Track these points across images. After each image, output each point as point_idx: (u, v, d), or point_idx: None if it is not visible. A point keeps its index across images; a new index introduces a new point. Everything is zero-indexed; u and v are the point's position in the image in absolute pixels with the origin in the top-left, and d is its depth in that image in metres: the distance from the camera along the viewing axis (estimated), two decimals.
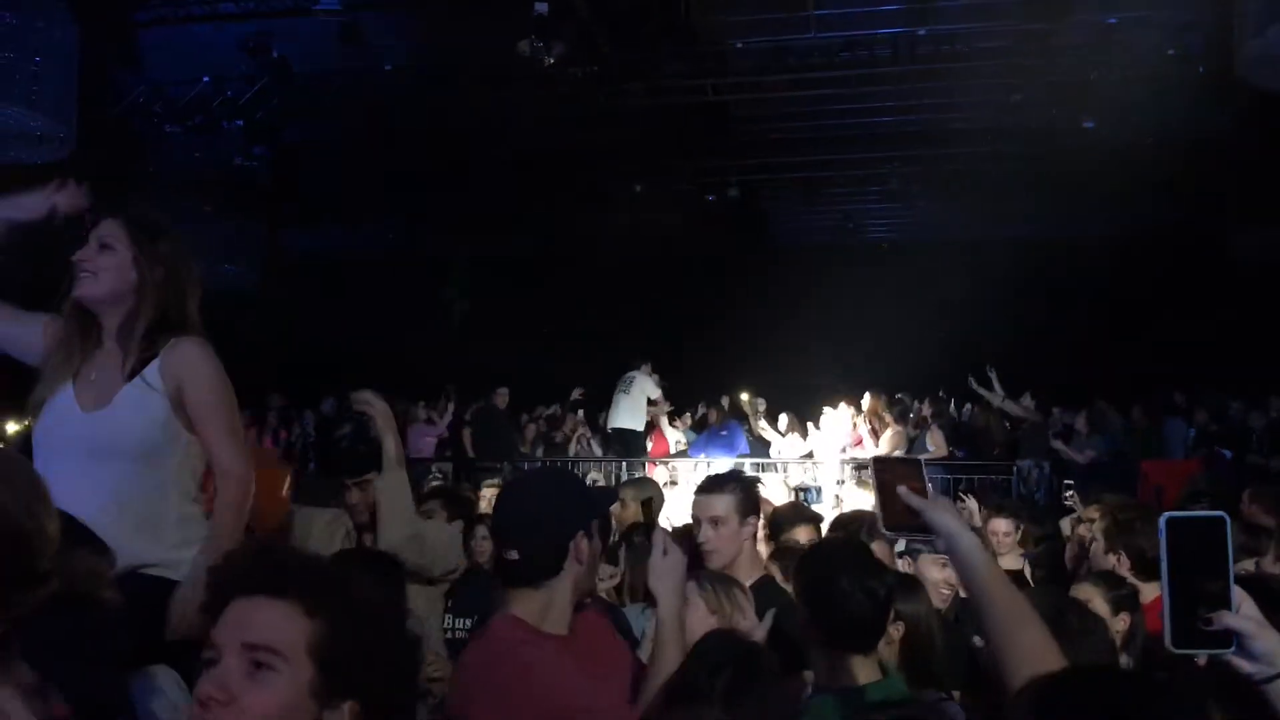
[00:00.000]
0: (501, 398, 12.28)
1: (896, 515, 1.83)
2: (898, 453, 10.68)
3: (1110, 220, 13.73)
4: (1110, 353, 12.88)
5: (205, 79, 10.47)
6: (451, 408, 12.11)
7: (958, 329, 13.11)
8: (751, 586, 2.94)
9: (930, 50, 9.70)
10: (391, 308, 14.29)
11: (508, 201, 13.51)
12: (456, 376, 12.65)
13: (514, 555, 2.18)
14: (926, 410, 11.83)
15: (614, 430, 11.71)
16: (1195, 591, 1.45)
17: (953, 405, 12.69)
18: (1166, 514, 1.50)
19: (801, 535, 4.10)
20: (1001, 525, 5.02)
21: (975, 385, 10.84)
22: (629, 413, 11.63)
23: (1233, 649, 1.43)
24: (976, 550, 1.76)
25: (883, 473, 1.86)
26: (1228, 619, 1.42)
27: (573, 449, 12.47)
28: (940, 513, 1.79)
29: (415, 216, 13.82)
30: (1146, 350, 12.61)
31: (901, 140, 11.92)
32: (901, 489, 1.83)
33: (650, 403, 11.70)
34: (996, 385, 10.72)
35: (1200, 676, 1.58)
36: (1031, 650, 1.62)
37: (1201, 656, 1.48)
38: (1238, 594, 1.44)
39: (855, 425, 11.07)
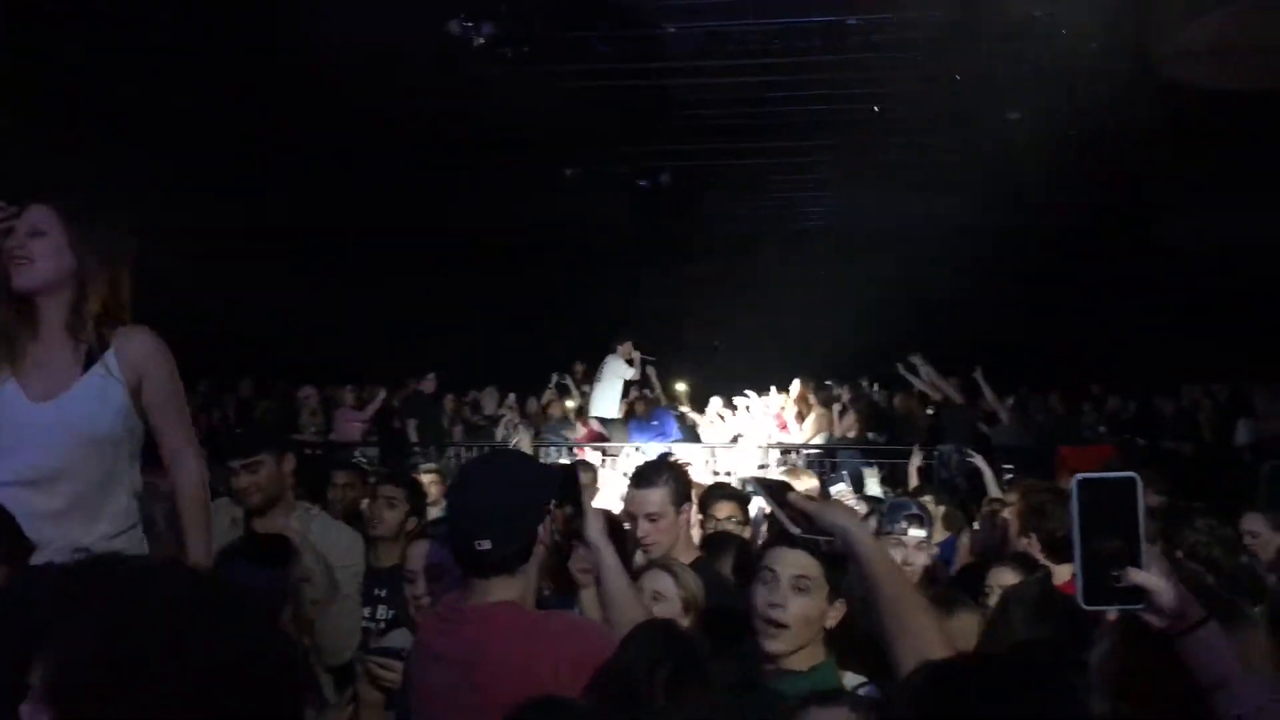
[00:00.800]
0: (429, 383, 12.11)
1: (798, 521, 1.92)
2: (820, 438, 10.88)
3: (1035, 209, 14.02)
4: (1033, 339, 13.16)
5: None
6: (382, 394, 11.93)
7: (889, 315, 13.29)
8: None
9: (859, 40, 9.78)
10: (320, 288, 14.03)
11: (437, 184, 13.36)
12: (385, 361, 12.51)
13: (486, 545, 2.15)
14: (846, 396, 12.00)
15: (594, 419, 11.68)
16: (1107, 550, 1.48)
17: (876, 391, 12.86)
18: (1079, 475, 1.55)
19: (721, 511, 4.16)
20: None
21: (902, 370, 11.00)
22: (601, 399, 11.59)
23: (1142, 605, 1.47)
24: (869, 544, 1.88)
25: (769, 491, 1.98)
26: (1137, 576, 1.46)
27: (499, 433, 12.40)
28: (833, 514, 1.92)
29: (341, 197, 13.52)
30: (1067, 337, 12.90)
31: (833, 128, 12.00)
32: (792, 496, 1.93)
33: (630, 383, 11.65)
34: (921, 371, 10.89)
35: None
36: (920, 636, 1.68)
37: (1112, 612, 1.54)
38: (1148, 552, 1.48)
39: (782, 410, 11.19)
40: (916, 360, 10.82)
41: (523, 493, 2.25)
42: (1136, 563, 1.47)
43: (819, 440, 11.07)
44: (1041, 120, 10.12)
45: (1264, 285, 11.24)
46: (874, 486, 7.07)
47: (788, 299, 14.56)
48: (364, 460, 10.30)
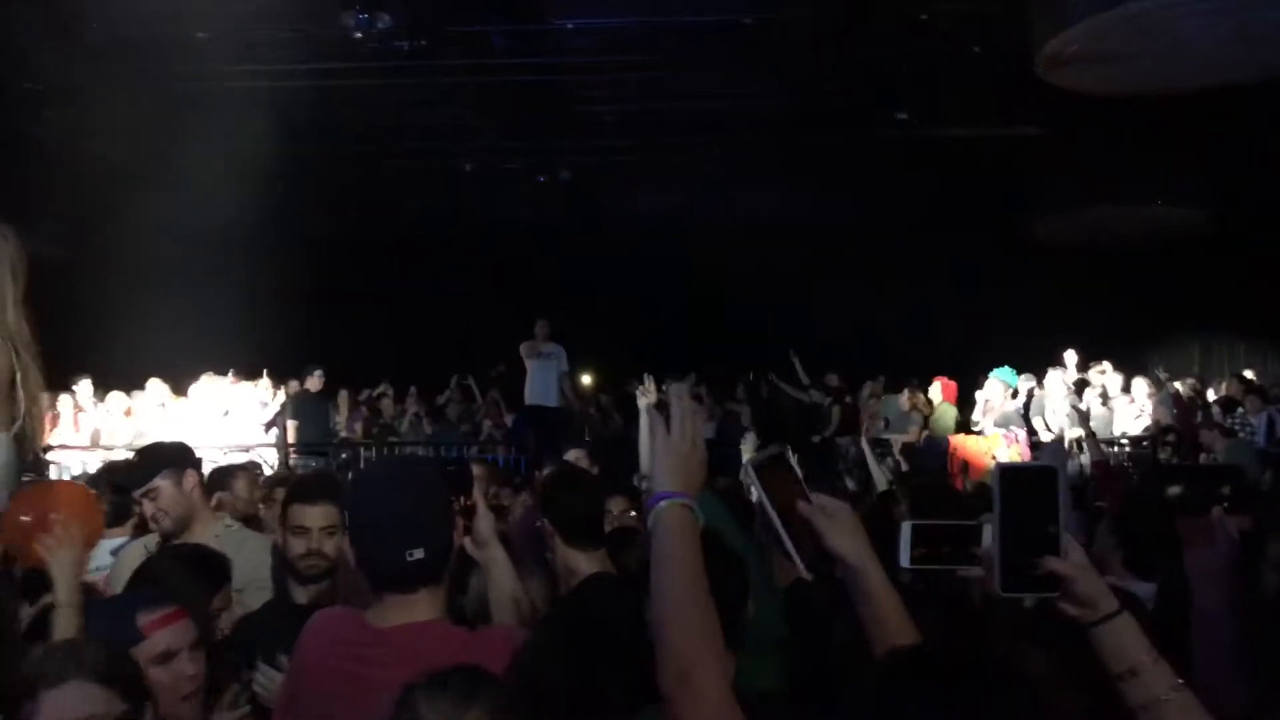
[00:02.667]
0: (315, 380, 11.50)
1: (800, 539, 1.69)
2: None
3: (921, 207, 14.42)
4: (924, 334, 13.51)
5: None
6: (282, 392, 11.51)
7: (777, 312, 13.50)
8: None
9: (749, 37, 9.90)
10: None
11: (331, 177, 13.10)
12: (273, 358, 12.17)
13: (419, 554, 2.04)
14: (741, 394, 12.18)
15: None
16: (1026, 538, 1.50)
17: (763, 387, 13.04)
18: (1000, 463, 1.59)
19: (616, 508, 4.24)
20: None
21: (777, 380, 11.24)
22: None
23: (1058, 594, 1.50)
24: (882, 581, 1.73)
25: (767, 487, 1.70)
26: (1053, 564, 1.48)
27: (405, 425, 12.19)
28: (844, 537, 1.70)
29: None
30: (957, 332, 13.28)
31: (724, 125, 12.14)
32: (803, 505, 1.71)
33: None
34: (800, 374, 11.17)
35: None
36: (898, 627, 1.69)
37: (1029, 600, 1.56)
38: (1067, 541, 1.51)
39: None
40: (796, 361, 11.10)
41: (438, 497, 2.17)
42: (1056, 551, 1.49)
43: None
44: (929, 120, 10.36)
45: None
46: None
47: (683, 295, 14.64)
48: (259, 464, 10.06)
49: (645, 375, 5.29)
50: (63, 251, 12.04)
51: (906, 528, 1.67)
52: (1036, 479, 1.54)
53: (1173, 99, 9.51)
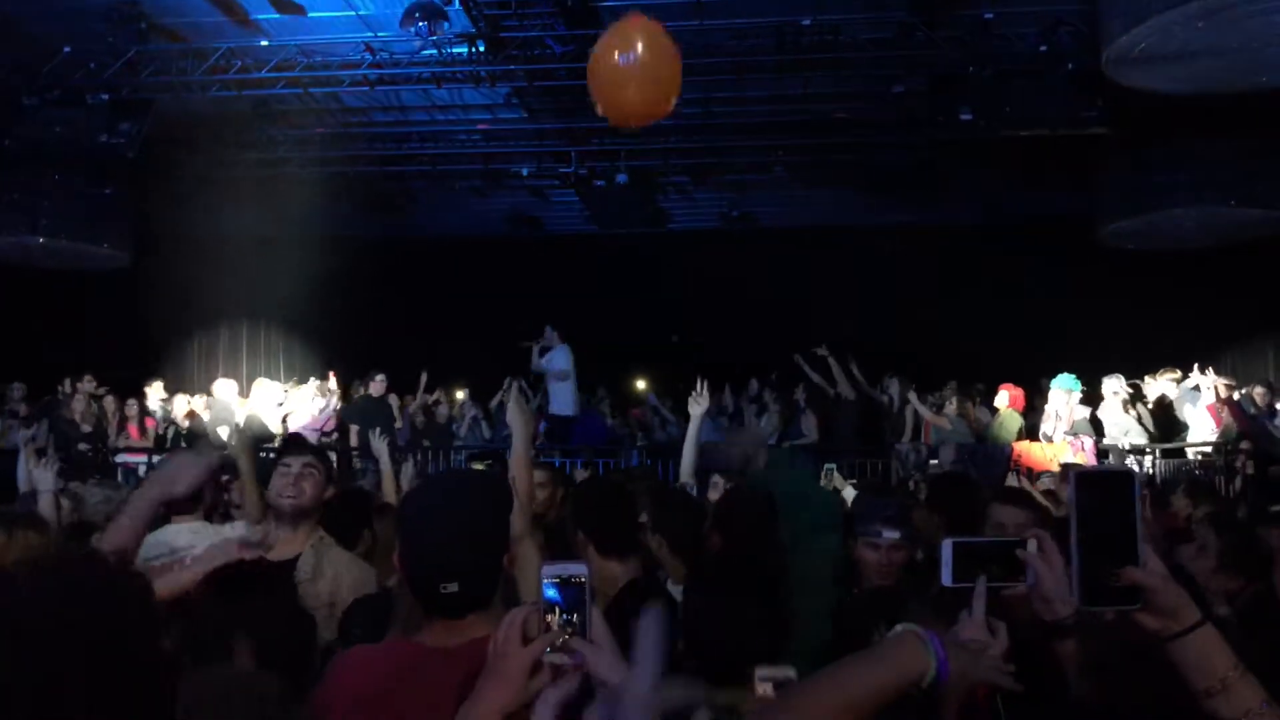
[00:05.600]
0: (377, 384, 11.66)
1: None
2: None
3: (985, 209, 14.20)
4: (984, 340, 13.28)
5: (66, 49, 9.92)
6: (333, 398, 11.67)
7: (840, 315, 13.36)
8: None
9: (813, 40, 9.81)
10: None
11: (388, 182, 13.29)
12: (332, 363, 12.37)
13: (453, 588, 1.97)
14: (802, 396, 12.06)
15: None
16: (1104, 547, 1.43)
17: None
18: (1076, 469, 1.52)
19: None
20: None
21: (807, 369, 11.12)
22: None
23: (1139, 605, 1.43)
24: None
25: None
26: (1135, 574, 1.42)
27: (464, 429, 12.23)
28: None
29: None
30: (1019, 337, 13.03)
31: (786, 129, 12.05)
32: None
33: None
34: (835, 370, 11.06)
35: None
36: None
37: (1109, 612, 1.47)
38: (1145, 550, 1.44)
39: None
40: (827, 355, 10.99)
41: (483, 520, 2.06)
42: (1134, 560, 1.42)
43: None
44: (994, 121, 10.16)
45: None
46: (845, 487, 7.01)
47: (742, 297, 14.59)
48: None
49: (699, 380, 5.24)
50: (127, 258, 12.41)
51: (947, 546, 1.61)
52: (1113, 484, 1.47)
53: (1245, 98, 9.24)
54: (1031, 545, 1.57)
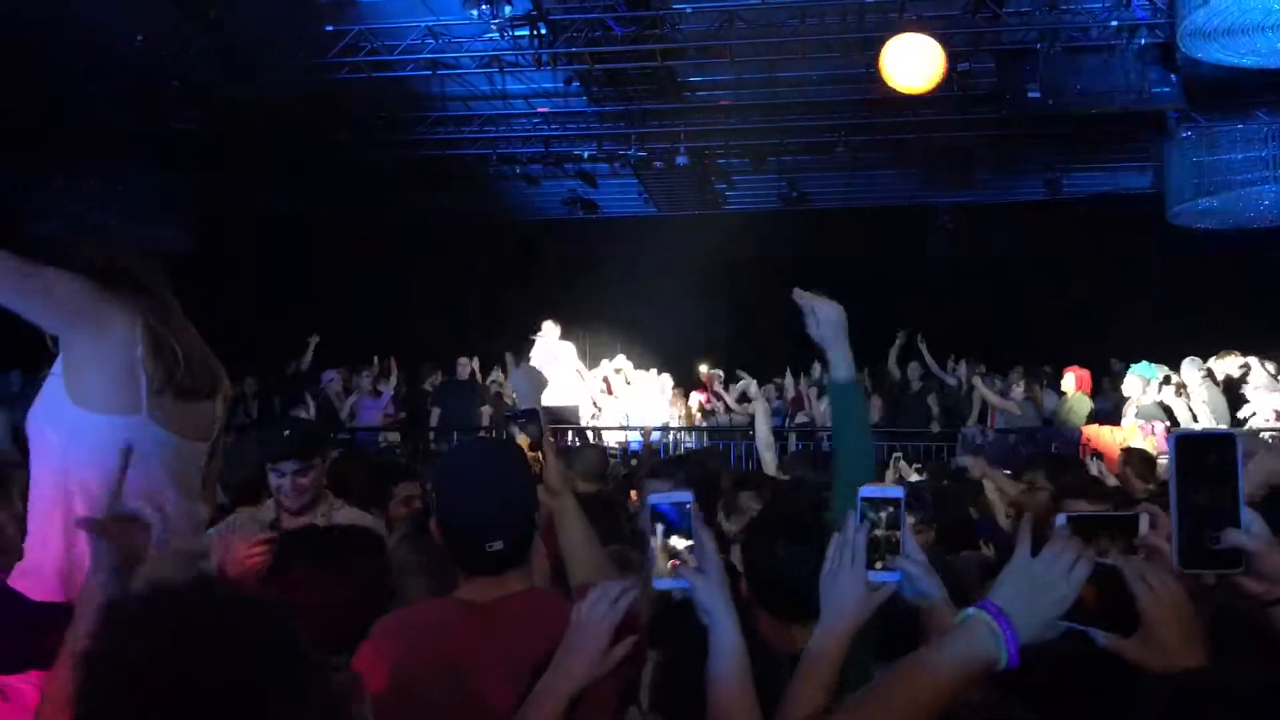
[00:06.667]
0: (464, 368, 11.84)
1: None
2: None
3: (1053, 187, 13.95)
4: (1051, 321, 13.08)
5: (139, 37, 10.07)
6: (394, 379, 11.91)
7: (901, 297, 13.24)
8: None
9: (878, 19, 9.68)
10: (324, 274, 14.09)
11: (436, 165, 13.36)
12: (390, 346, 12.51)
13: (499, 546, 2.08)
14: (865, 380, 11.96)
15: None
16: (1204, 511, 1.42)
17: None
18: (1176, 432, 1.50)
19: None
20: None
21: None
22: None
23: (1241, 569, 1.41)
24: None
25: None
26: (1236, 537, 1.40)
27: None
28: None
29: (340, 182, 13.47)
30: (1085, 318, 12.82)
31: (850, 108, 11.92)
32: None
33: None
34: (928, 357, 10.95)
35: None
36: None
37: (1209, 576, 1.46)
38: (1248, 513, 1.42)
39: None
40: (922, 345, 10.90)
41: (518, 482, 2.20)
42: (1236, 523, 1.41)
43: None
44: (1062, 97, 9.96)
45: None
46: (910, 472, 6.99)
47: (801, 279, 14.47)
48: (385, 445, 10.36)
49: (738, 372, 5.32)
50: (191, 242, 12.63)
51: (1061, 519, 1.60)
52: (1214, 448, 1.45)
53: None
54: (1144, 521, 1.55)
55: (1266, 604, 1.41)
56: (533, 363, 10.86)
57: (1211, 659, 1.44)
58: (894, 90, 8.89)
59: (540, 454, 2.53)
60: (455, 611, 2.12)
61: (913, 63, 8.69)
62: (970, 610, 1.46)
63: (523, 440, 2.56)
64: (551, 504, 2.43)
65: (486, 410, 11.52)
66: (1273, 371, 10.38)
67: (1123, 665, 1.44)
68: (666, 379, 12.51)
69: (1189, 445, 1.46)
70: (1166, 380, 10.27)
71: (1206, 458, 1.44)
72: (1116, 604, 1.43)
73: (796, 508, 3.39)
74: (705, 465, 4.81)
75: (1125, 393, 9.99)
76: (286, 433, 3.80)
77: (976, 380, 10.58)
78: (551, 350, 11.20)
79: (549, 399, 10.87)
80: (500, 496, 2.13)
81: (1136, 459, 5.78)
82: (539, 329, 11.34)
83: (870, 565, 1.68)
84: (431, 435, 11.05)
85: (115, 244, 2.37)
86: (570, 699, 1.80)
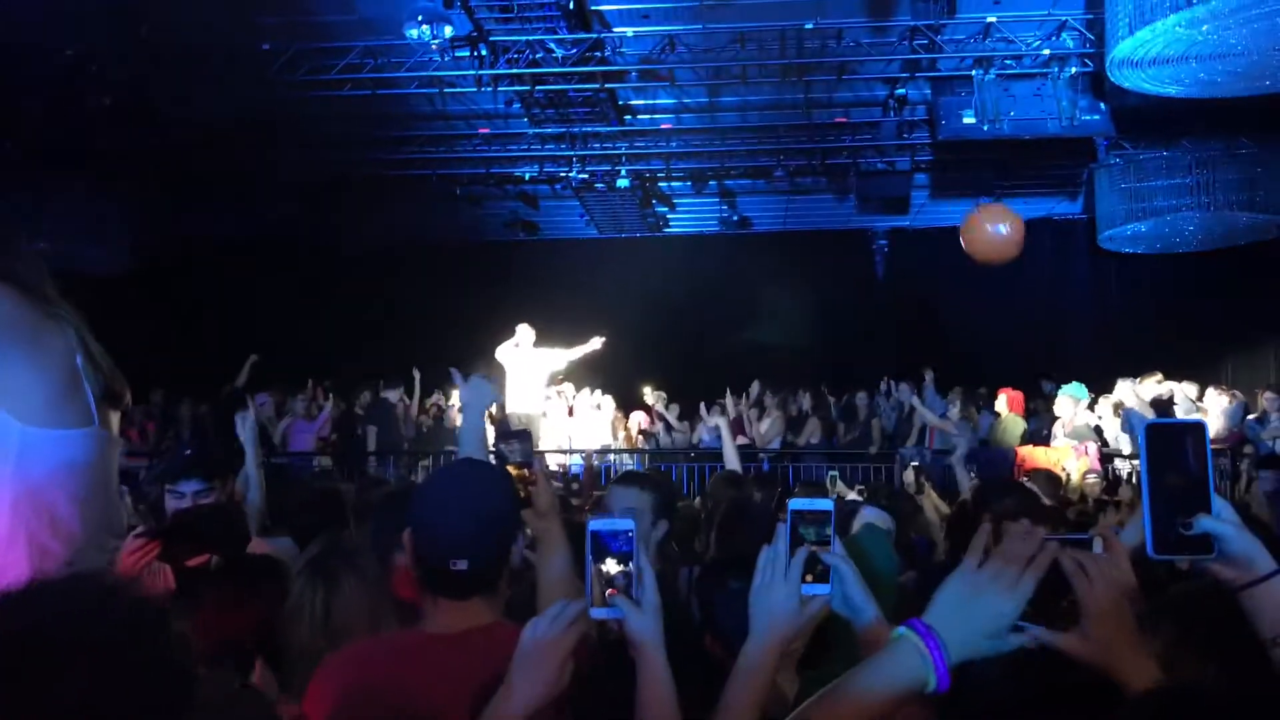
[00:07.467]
0: (395, 391, 11.82)
1: None
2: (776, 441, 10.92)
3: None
4: (983, 343, 13.26)
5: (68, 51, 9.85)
6: (329, 403, 11.74)
7: (839, 319, 13.38)
8: None
9: (817, 44, 9.81)
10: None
11: (387, 189, 13.24)
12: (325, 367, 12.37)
13: (463, 566, 2.01)
14: (807, 403, 12.06)
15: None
16: (1176, 498, 1.44)
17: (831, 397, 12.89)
18: (1147, 421, 1.52)
19: None
20: None
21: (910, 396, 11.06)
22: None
23: (1214, 555, 1.43)
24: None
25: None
26: (1207, 523, 1.42)
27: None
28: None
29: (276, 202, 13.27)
30: (1017, 340, 13.04)
31: (789, 132, 12.05)
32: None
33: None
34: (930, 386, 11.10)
35: None
36: None
37: (1183, 562, 1.51)
38: (1218, 500, 1.44)
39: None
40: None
41: (496, 505, 2.11)
42: (1207, 509, 1.43)
43: (776, 444, 11.18)
44: (993, 124, 10.16)
45: None
46: (848, 492, 7.04)
47: (741, 303, 14.60)
48: (317, 469, 10.19)
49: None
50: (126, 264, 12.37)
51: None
52: (1185, 436, 1.47)
53: (1247, 102, 9.24)
54: (1097, 544, 1.56)
55: (1238, 589, 1.42)
56: (506, 366, 10.79)
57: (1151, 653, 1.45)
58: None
59: (528, 474, 2.49)
60: (414, 643, 2.06)
61: (993, 235, 9.71)
62: (901, 629, 1.43)
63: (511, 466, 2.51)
64: (536, 527, 2.38)
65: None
66: (1193, 396, 10.68)
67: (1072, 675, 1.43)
68: (608, 400, 12.46)
69: (1159, 433, 1.48)
70: (1094, 402, 10.51)
71: (1176, 446, 1.46)
72: (1053, 596, 1.42)
73: (743, 547, 3.38)
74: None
75: (1057, 413, 10.16)
76: (188, 453, 3.71)
77: (915, 401, 10.71)
78: (523, 359, 10.94)
79: (511, 407, 10.86)
80: (471, 515, 2.06)
81: (1043, 478, 5.94)
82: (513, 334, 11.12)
83: (801, 579, 1.66)
84: (371, 459, 10.86)
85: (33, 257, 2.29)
86: None
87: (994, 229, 9.84)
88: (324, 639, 2.42)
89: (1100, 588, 1.42)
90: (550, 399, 11.75)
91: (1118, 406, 10.21)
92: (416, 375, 12.18)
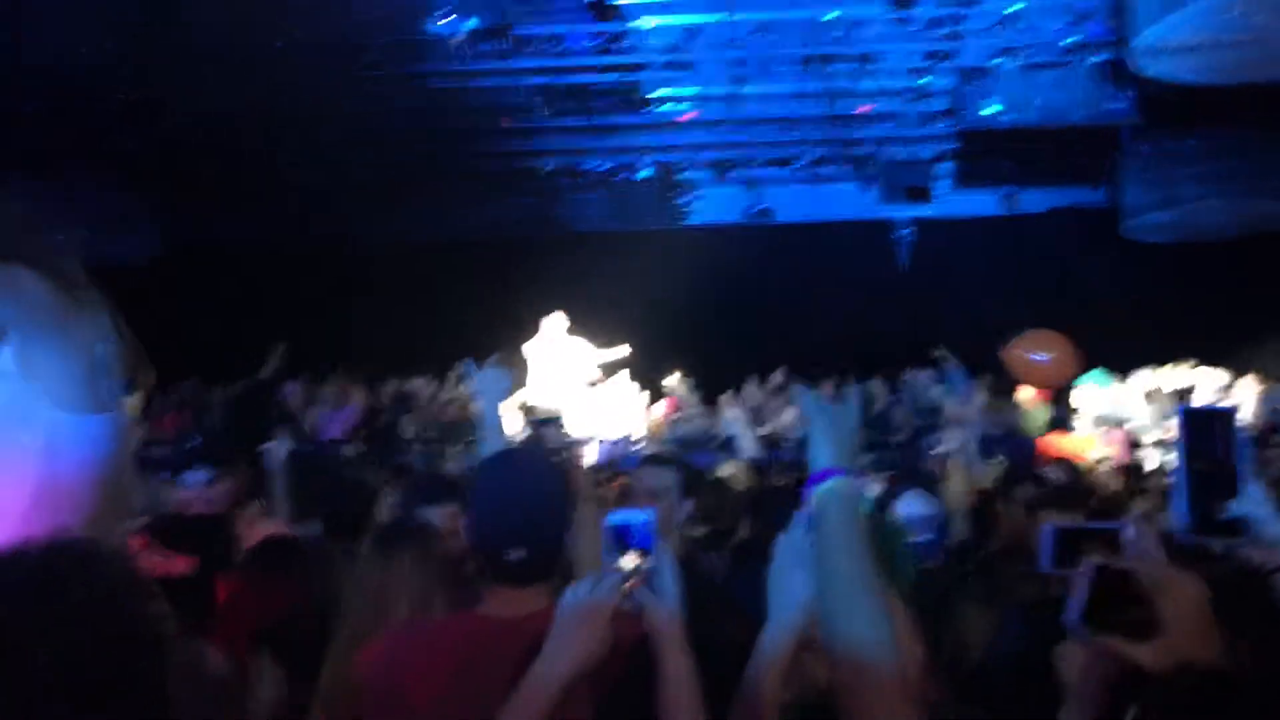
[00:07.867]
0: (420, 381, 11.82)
1: None
2: None
3: (1010, 201, 14.12)
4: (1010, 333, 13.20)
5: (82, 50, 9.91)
6: (359, 391, 11.75)
7: (861, 309, 13.34)
8: None
9: (839, 34, 9.78)
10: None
11: (414, 184, 13.28)
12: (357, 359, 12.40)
13: (520, 554, 2.03)
14: (829, 392, 11.99)
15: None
16: (1211, 482, 1.48)
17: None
18: (1183, 406, 1.55)
19: None
20: None
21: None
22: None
23: (1246, 538, 1.48)
24: None
25: None
26: (1241, 507, 1.47)
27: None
28: None
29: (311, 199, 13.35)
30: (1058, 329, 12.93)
31: (811, 122, 12.01)
32: None
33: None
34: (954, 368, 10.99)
35: None
36: None
37: (1217, 544, 1.50)
38: (1253, 485, 1.48)
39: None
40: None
41: (550, 493, 2.13)
42: (1239, 494, 1.47)
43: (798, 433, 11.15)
44: (1021, 113, 10.11)
45: None
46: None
47: (764, 293, 14.57)
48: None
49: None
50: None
51: (1048, 530, 1.63)
52: (1219, 421, 1.52)
53: (1274, 88, 9.15)
54: (1129, 530, 1.57)
55: (1269, 572, 1.44)
56: (530, 358, 10.70)
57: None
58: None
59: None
60: (476, 627, 2.07)
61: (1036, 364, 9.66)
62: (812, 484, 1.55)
63: None
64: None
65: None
66: (1224, 384, 10.59)
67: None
68: (633, 389, 12.46)
69: (1196, 419, 1.53)
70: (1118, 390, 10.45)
71: (1212, 431, 1.50)
72: (1135, 609, 1.36)
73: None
74: None
75: (1079, 401, 10.10)
76: (189, 446, 3.69)
77: (937, 391, 10.64)
78: (551, 352, 10.77)
79: (535, 401, 10.81)
80: (526, 503, 2.08)
81: (1065, 467, 5.97)
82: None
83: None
84: (401, 448, 10.87)
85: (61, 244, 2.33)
86: (562, 687, 1.74)
87: (1034, 358, 9.78)
88: (375, 619, 2.45)
89: (1182, 603, 1.37)
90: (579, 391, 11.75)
91: (1152, 394, 10.13)
92: (454, 369, 12.19)
